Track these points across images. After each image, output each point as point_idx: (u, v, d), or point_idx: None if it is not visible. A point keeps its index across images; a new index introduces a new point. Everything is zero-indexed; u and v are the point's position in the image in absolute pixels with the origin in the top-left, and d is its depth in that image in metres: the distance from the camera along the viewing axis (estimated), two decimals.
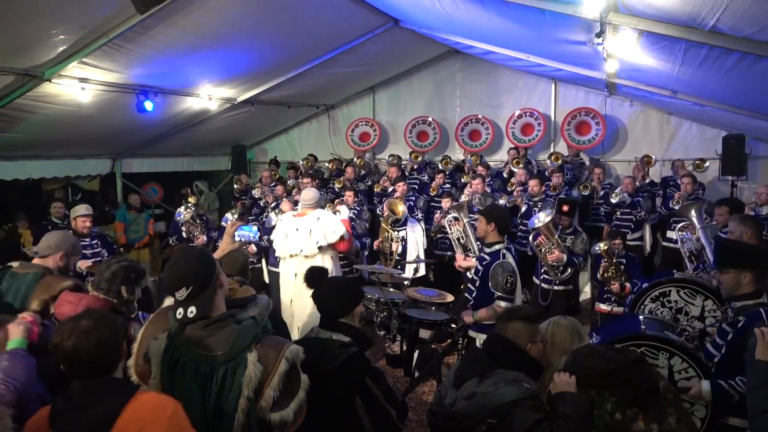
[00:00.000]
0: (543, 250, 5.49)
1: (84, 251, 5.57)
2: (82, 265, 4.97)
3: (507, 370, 2.28)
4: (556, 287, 5.67)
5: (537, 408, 2.12)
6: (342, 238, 5.06)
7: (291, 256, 5.07)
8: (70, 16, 4.58)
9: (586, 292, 7.83)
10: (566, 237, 5.74)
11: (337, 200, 7.44)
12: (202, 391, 1.95)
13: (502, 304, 4.00)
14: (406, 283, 6.10)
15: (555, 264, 5.65)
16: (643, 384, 2.04)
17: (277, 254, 5.28)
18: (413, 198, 7.83)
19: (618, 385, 2.02)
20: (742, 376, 2.49)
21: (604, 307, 5.69)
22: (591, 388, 2.05)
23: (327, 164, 9.64)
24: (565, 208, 5.61)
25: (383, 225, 7.03)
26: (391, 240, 6.88)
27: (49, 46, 4.95)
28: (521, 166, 8.09)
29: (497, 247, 4.10)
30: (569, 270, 5.66)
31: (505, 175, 8.43)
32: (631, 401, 1.98)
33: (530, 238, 5.92)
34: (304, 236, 5.01)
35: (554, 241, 5.52)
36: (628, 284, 5.41)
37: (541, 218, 5.40)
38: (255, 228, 3.07)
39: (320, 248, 5.00)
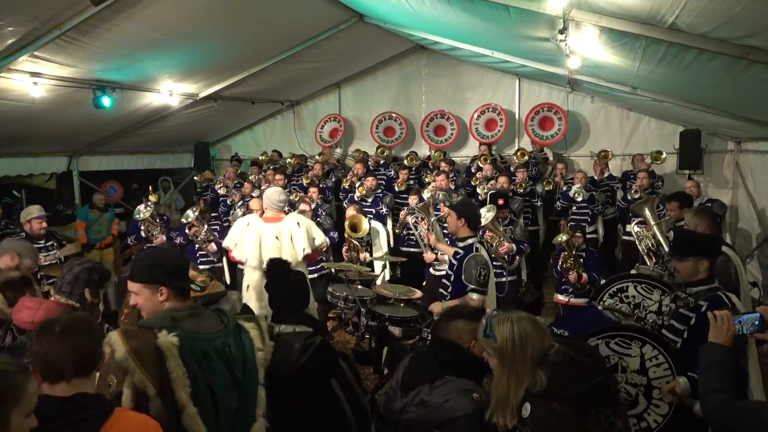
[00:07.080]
0: (494, 244, 5.60)
1: (40, 254, 5.35)
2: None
3: (457, 378, 2.23)
4: (509, 278, 5.77)
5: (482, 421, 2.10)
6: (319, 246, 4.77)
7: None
8: (19, 7, 4.36)
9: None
10: (506, 228, 5.85)
11: (302, 195, 7.32)
12: (226, 364, 2.11)
13: (475, 296, 4.01)
14: (378, 282, 6.06)
15: (507, 254, 5.72)
16: (616, 388, 2.07)
17: (247, 262, 4.55)
18: (380, 194, 7.80)
19: (602, 396, 1.92)
20: None
21: (561, 298, 5.84)
22: (584, 403, 1.89)
23: (289, 160, 9.31)
24: (500, 201, 5.74)
25: (347, 233, 6.86)
26: (357, 250, 6.75)
27: None
28: (488, 162, 8.15)
29: (470, 241, 4.14)
30: (517, 258, 5.79)
31: (473, 170, 8.48)
32: (609, 406, 1.92)
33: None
34: (286, 244, 4.54)
35: (501, 234, 5.64)
36: (585, 275, 5.68)
37: (487, 216, 5.49)
38: None
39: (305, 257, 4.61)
